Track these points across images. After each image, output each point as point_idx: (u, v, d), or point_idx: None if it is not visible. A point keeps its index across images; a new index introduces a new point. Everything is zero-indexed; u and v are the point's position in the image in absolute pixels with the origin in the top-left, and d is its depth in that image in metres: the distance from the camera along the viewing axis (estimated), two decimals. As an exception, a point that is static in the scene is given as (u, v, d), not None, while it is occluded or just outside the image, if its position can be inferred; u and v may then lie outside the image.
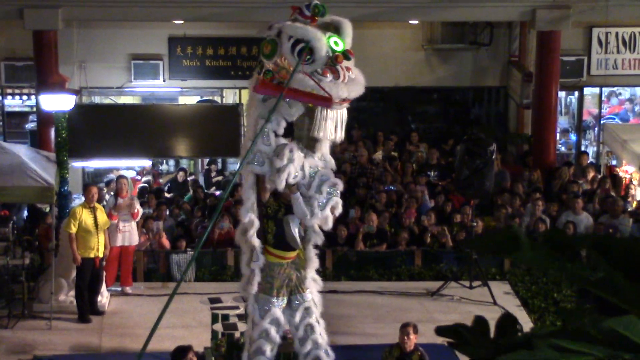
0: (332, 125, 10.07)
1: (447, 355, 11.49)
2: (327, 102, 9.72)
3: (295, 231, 10.46)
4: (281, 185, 10.04)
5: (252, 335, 10.37)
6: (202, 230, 17.47)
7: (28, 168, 14.91)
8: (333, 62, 9.91)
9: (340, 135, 10.28)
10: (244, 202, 10.42)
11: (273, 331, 10.30)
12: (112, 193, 17.81)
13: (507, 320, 2.69)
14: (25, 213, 19.07)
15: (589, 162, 22.22)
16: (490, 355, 2.69)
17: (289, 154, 9.99)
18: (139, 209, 16.21)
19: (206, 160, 23.47)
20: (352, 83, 9.99)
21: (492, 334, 2.81)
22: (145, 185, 21.57)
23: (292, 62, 9.83)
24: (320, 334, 10.61)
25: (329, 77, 9.82)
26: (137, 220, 16.17)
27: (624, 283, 2.59)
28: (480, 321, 2.69)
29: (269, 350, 10.27)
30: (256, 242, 10.38)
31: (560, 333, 2.63)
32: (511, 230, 2.67)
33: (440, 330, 2.89)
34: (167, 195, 20.66)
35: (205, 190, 20.88)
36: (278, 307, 10.51)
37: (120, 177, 17.72)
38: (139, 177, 22.38)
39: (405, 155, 22.02)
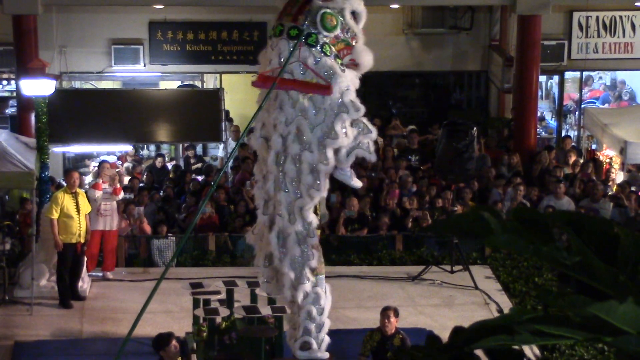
0: None
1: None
2: (326, 90, 9.93)
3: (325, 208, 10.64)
4: (373, 156, 10.23)
5: (320, 316, 10.52)
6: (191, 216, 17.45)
7: (8, 154, 14.84)
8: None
9: None
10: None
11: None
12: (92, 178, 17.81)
13: (460, 333, 2.68)
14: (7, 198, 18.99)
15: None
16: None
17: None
18: (121, 186, 16.26)
19: (185, 146, 23.40)
20: None
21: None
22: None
23: (357, 34, 10.15)
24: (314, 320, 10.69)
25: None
26: (119, 197, 16.12)
27: (599, 265, 2.59)
28: (431, 338, 2.69)
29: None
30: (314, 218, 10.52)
31: (540, 319, 2.63)
32: (478, 212, 2.65)
33: (395, 356, 2.94)
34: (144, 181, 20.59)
35: (194, 176, 20.79)
36: None
37: (103, 162, 17.69)
38: (119, 162, 22.29)
39: (386, 140, 22.01)
